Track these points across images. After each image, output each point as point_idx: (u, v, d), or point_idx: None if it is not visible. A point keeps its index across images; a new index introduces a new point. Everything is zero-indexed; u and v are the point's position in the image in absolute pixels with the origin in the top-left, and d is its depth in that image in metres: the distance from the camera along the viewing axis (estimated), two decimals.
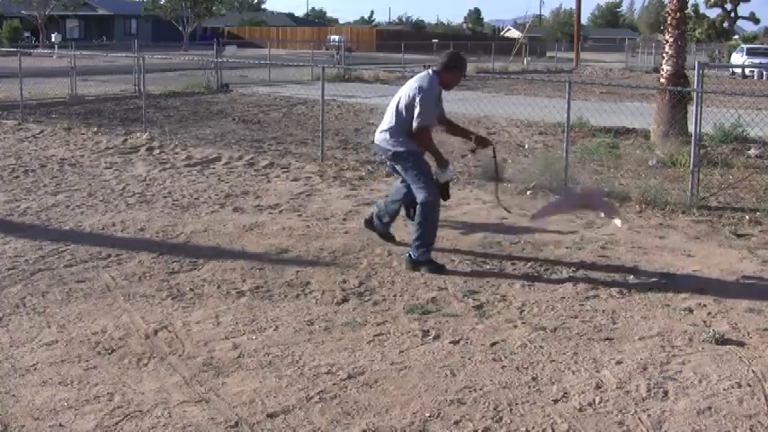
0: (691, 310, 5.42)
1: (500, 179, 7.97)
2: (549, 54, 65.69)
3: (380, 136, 6.38)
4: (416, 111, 6.08)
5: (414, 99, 6.11)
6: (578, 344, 4.80)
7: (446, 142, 13.02)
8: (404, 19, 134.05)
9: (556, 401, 4.05)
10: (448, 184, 6.52)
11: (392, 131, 6.26)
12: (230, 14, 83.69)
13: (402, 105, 6.21)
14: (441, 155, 6.27)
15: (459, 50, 6.72)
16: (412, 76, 6.42)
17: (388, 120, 6.32)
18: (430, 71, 6.31)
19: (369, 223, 6.87)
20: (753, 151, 12.44)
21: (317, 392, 4.09)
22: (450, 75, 6.32)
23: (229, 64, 26.43)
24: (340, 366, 4.42)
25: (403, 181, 6.49)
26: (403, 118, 6.20)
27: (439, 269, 6.17)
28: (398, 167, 6.35)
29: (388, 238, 6.85)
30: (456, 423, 3.81)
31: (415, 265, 6.21)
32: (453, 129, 6.90)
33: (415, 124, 6.10)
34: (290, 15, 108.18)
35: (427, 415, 3.88)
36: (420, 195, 6.19)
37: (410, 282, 5.93)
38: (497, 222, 7.78)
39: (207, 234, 7.19)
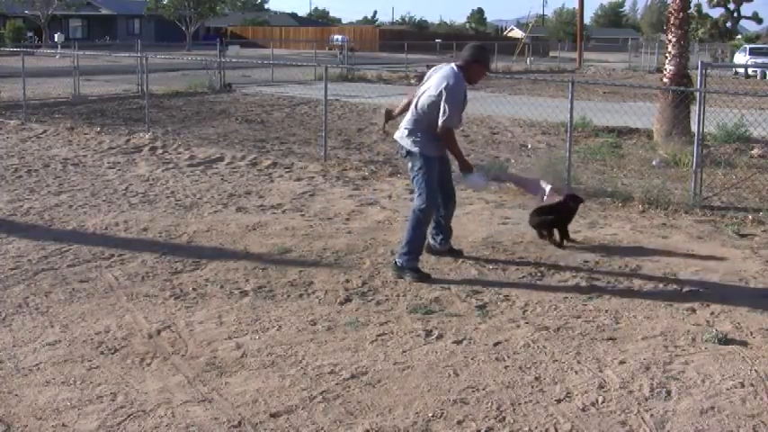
0: (694, 310, 5.41)
1: None
2: (551, 54, 65.71)
3: (399, 132, 6.14)
4: (441, 111, 5.81)
5: (439, 97, 5.83)
6: (581, 344, 4.80)
7: None
8: (407, 19, 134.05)
9: (559, 401, 4.05)
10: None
11: (410, 129, 6.03)
12: (233, 14, 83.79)
13: (424, 103, 5.95)
14: (463, 158, 6.14)
15: (480, 44, 6.33)
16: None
17: (408, 117, 6.09)
18: (454, 66, 6.00)
19: (430, 249, 6.47)
20: (756, 151, 12.42)
21: (319, 392, 4.10)
22: (475, 69, 6.04)
23: (232, 64, 26.47)
24: (343, 366, 4.42)
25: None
26: (423, 116, 5.96)
27: (424, 278, 5.95)
28: (409, 165, 6.18)
29: (456, 254, 6.52)
30: (459, 423, 3.81)
31: (400, 271, 6.02)
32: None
33: (439, 124, 5.84)
34: (293, 15, 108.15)
35: (430, 415, 3.88)
36: (417, 201, 6.03)
37: (413, 282, 5.93)
38: (500, 222, 7.77)
39: (210, 234, 7.19)
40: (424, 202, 5.98)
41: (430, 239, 6.47)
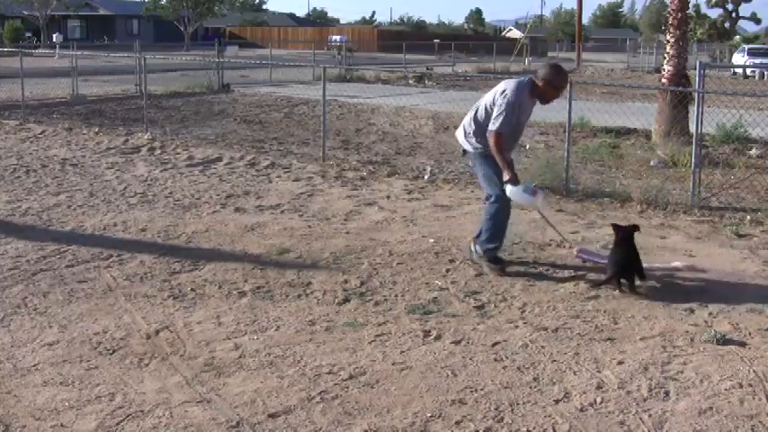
0: (692, 311, 5.41)
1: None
2: (550, 54, 65.75)
3: (459, 131, 6.37)
4: (494, 114, 5.96)
5: (494, 102, 6.02)
6: (580, 344, 4.80)
7: (446, 143, 13.05)
8: (405, 19, 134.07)
9: (557, 402, 4.05)
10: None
11: (469, 130, 6.22)
12: (231, 15, 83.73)
13: (483, 105, 6.14)
14: (507, 165, 5.96)
15: (560, 65, 6.27)
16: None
17: (468, 118, 6.26)
18: (526, 78, 6.12)
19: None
20: (754, 151, 12.43)
21: (318, 393, 4.09)
22: (543, 88, 6.05)
23: (231, 64, 26.45)
24: (341, 366, 4.42)
25: (486, 199, 6.35)
26: (480, 119, 6.14)
27: (499, 269, 6.10)
28: (470, 164, 6.37)
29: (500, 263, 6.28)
30: (457, 423, 3.81)
31: (479, 260, 6.24)
32: None
33: (489, 127, 5.98)
34: (292, 16, 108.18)
35: (428, 415, 3.88)
36: (488, 192, 6.20)
37: (411, 282, 5.93)
38: None
39: (208, 234, 7.19)
40: (493, 194, 6.14)
41: (472, 248, 6.44)
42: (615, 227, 6.01)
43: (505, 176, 6.01)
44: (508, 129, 6.00)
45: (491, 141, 5.98)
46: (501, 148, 6.00)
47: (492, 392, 4.14)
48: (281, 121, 15.96)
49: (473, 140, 6.20)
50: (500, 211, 6.17)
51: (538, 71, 6.19)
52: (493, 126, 5.96)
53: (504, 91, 6.02)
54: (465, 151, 6.33)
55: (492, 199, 6.16)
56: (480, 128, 6.14)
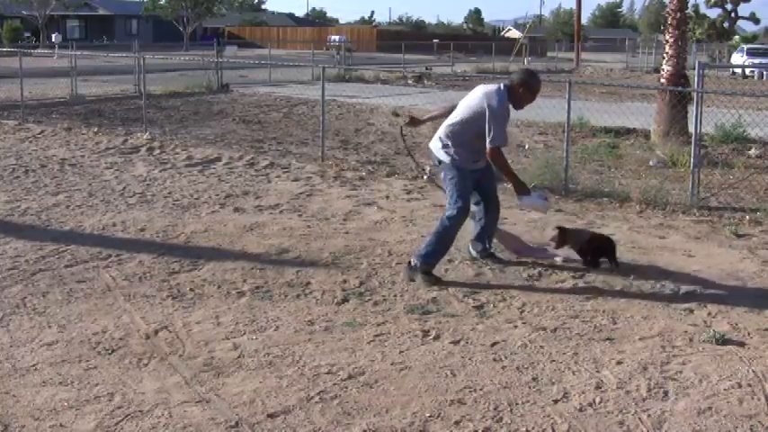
0: (691, 311, 5.42)
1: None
2: (549, 54, 65.71)
3: (434, 142, 6.17)
4: (488, 131, 5.77)
5: (482, 116, 5.82)
6: (579, 344, 4.80)
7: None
8: (404, 19, 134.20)
9: (556, 401, 4.05)
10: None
11: (445, 140, 6.04)
12: (230, 15, 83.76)
13: (463, 117, 5.96)
14: (517, 179, 6.04)
15: (533, 70, 6.35)
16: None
17: (444, 129, 6.08)
18: (501, 85, 5.99)
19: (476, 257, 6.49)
20: (753, 151, 12.44)
21: (317, 392, 4.09)
22: (520, 93, 5.97)
23: (230, 64, 26.44)
24: (340, 366, 4.42)
25: (477, 203, 6.31)
26: (461, 128, 5.97)
27: (433, 281, 5.91)
28: (441, 175, 6.20)
29: (497, 260, 6.49)
30: (456, 423, 3.81)
31: (412, 272, 5.97)
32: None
33: (488, 146, 5.82)
34: (291, 15, 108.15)
35: (427, 415, 3.88)
36: (447, 210, 6.03)
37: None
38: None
39: (207, 234, 7.19)
40: (455, 212, 5.96)
41: (471, 249, 6.49)
42: (561, 229, 6.51)
43: (519, 191, 6.03)
44: (504, 139, 5.93)
45: (495, 158, 5.89)
46: (506, 161, 5.99)
47: (491, 392, 4.14)
48: (280, 121, 15.96)
49: (451, 151, 6.00)
50: (453, 228, 6.01)
51: (512, 76, 6.09)
52: (492, 143, 5.80)
53: (489, 104, 5.82)
54: (440, 161, 6.11)
55: (453, 213, 5.96)
56: (457, 138, 5.98)
